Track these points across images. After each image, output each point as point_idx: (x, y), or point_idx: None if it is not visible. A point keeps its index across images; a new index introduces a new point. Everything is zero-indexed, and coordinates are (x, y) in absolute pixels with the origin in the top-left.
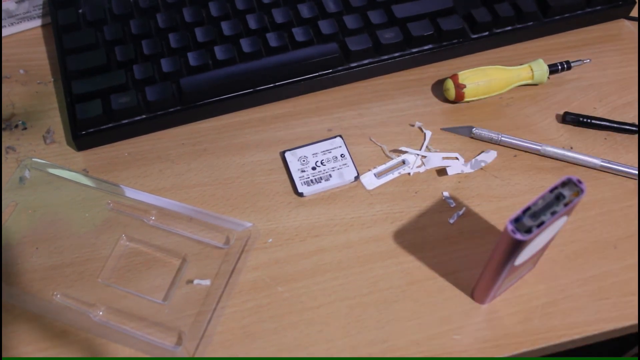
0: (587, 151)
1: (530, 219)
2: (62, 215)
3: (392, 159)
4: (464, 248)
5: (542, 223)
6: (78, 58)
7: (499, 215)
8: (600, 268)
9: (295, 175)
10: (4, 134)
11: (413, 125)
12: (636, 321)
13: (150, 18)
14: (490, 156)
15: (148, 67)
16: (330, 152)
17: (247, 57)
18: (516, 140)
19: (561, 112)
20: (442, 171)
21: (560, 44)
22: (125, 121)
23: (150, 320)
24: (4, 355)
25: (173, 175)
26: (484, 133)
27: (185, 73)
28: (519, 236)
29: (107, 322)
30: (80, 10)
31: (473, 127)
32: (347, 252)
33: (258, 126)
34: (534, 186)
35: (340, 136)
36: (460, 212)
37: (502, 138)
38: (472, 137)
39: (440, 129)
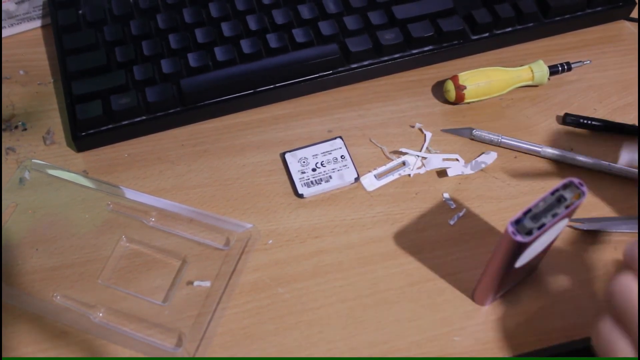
0: (588, 152)
1: (531, 221)
2: (62, 216)
3: (392, 160)
4: (465, 249)
5: (542, 225)
6: (78, 59)
7: (500, 216)
8: (600, 269)
9: (296, 177)
10: (4, 134)
11: (413, 127)
12: None
13: (151, 19)
14: (490, 157)
15: (148, 67)
16: (330, 153)
17: (247, 58)
18: (516, 141)
19: (561, 114)
20: (442, 172)
21: (561, 45)
22: (126, 122)
23: (150, 321)
24: (4, 355)
25: (173, 177)
26: (484, 135)
27: (185, 74)
28: (519, 238)
29: (107, 324)
30: (80, 11)
31: (473, 129)
32: (348, 254)
33: (258, 127)
34: (534, 188)
35: (341, 137)
36: (461, 214)
37: (502, 140)
38: (472, 139)
39: (441, 130)
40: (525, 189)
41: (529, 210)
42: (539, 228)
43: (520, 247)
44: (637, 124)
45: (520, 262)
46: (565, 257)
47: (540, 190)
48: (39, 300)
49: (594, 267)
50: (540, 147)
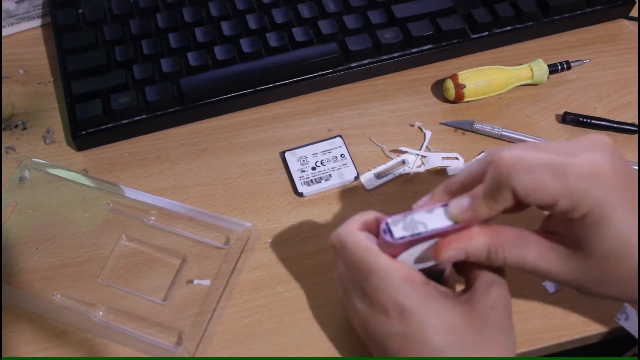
0: None
1: (409, 226)
2: (62, 216)
3: (391, 159)
4: None
5: (418, 233)
6: (78, 58)
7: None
8: None
9: (295, 175)
10: (4, 134)
11: (413, 125)
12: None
13: (150, 18)
14: None
15: (148, 67)
16: (330, 152)
17: (247, 57)
18: (517, 134)
19: (561, 112)
20: (442, 171)
21: (560, 44)
22: (125, 121)
23: (150, 320)
24: (4, 355)
25: (173, 175)
26: (485, 127)
27: (185, 73)
28: (388, 237)
29: (107, 322)
30: (80, 10)
31: (474, 122)
32: None
33: (258, 126)
34: None
35: (340, 136)
36: None
37: (503, 132)
38: (473, 131)
39: (440, 123)
40: None
41: (411, 214)
42: (413, 234)
43: (390, 247)
44: (636, 122)
45: (414, 264)
46: None
47: None
48: (39, 300)
49: None
50: (541, 140)
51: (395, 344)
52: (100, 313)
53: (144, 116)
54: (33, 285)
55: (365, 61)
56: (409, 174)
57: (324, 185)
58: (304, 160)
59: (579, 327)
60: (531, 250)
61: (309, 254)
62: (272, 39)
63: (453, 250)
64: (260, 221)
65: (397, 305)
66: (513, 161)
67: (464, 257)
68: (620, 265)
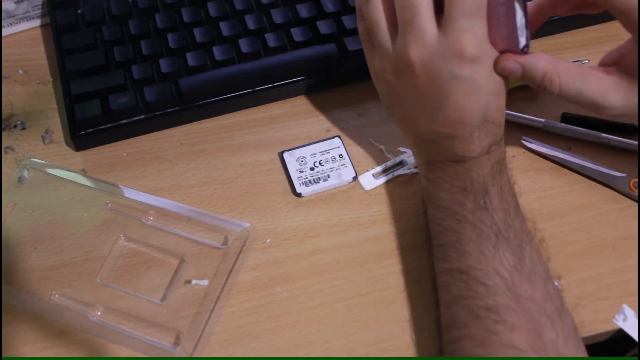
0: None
1: None
2: (61, 216)
3: (390, 159)
4: None
5: None
6: (77, 58)
7: None
8: (599, 269)
9: (294, 176)
10: (3, 134)
11: None
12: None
13: (149, 18)
14: None
15: (147, 67)
16: (328, 152)
17: (245, 57)
18: (519, 115)
19: (559, 113)
20: None
21: (559, 44)
22: (124, 121)
23: (148, 320)
24: (2, 355)
25: (171, 176)
26: None
27: (184, 73)
28: None
29: (105, 322)
30: (79, 11)
31: None
32: (346, 253)
33: (256, 126)
34: (532, 186)
35: (339, 136)
36: None
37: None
38: None
39: None
40: (523, 188)
41: None
42: None
43: None
44: (636, 123)
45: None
46: (562, 256)
47: (538, 189)
48: (37, 299)
49: (595, 265)
50: (542, 121)
51: (457, 87)
52: (99, 313)
53: (142, 116)
54: (32, 285)
55: (364, 61)
56: (407, 174)
57: (322, 185)
58: (302, 161)
59: (579, 328)
60: (590, 85)
61: (307, 254)
62: (270, 39)
63: (511, 63)
64: (258, 221)
65: (476, 53)
66: None
67: (520, 73)
68: None
